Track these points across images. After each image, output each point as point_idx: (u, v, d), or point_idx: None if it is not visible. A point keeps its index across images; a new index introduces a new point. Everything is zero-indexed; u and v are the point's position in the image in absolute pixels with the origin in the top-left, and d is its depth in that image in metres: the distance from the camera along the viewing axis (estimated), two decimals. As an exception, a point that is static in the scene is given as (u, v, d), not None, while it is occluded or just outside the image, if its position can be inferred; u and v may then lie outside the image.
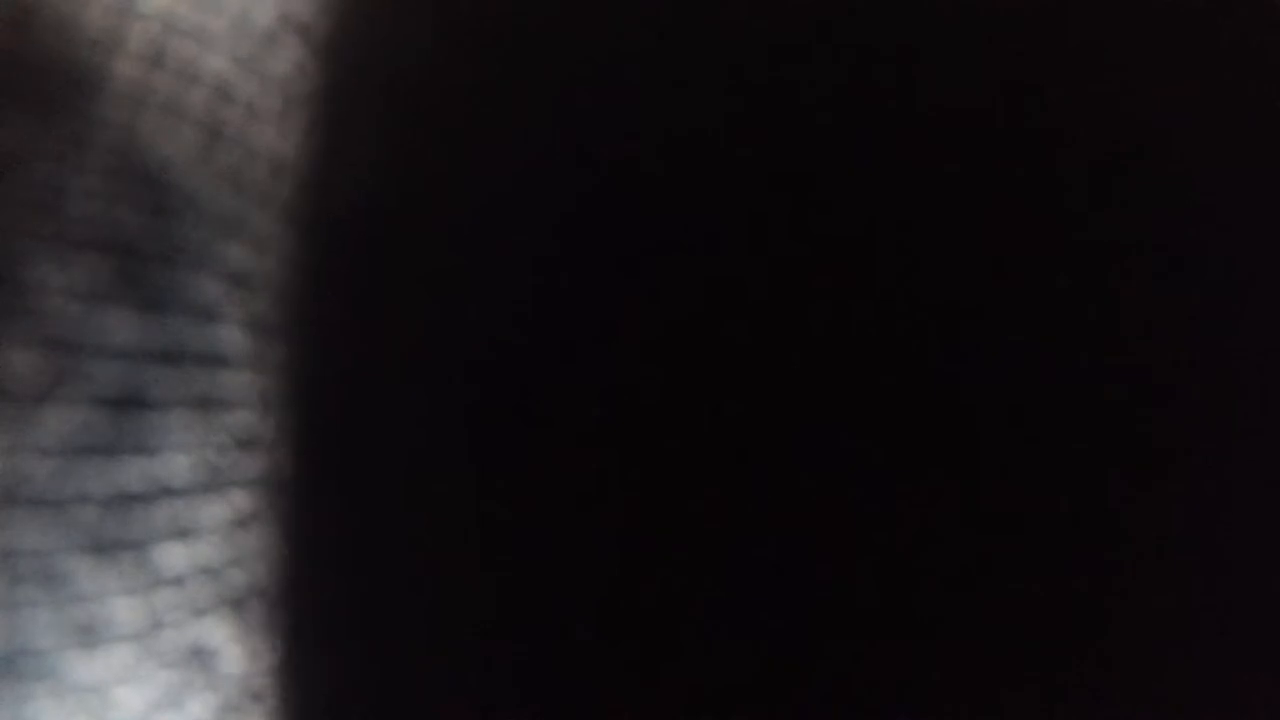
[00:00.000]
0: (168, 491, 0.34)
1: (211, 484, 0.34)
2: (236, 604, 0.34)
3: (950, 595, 0.29)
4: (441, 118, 0.32)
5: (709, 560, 0.30)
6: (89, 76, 0.32)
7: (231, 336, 0.34)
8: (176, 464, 0.34)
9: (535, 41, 0.32)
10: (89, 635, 0.33)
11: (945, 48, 0.29)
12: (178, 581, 0.34)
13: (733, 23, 0.31)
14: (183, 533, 0.34)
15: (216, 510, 0.34)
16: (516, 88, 0.32)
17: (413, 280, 0.33)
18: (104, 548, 0.33)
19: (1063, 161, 0.29)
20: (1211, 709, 0.28)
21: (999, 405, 0.29)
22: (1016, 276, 0.30)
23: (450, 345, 0.32)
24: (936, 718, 0.29)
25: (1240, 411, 0.28)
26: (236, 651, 0.35)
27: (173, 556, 0.34)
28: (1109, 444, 0.29)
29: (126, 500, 0.33)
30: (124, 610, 0.33)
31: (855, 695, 0.29)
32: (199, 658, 0.34)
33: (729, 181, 0.31)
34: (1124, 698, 0.28)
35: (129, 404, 0.33)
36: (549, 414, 0.31)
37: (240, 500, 0.34)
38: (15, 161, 0.31)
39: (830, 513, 0.30)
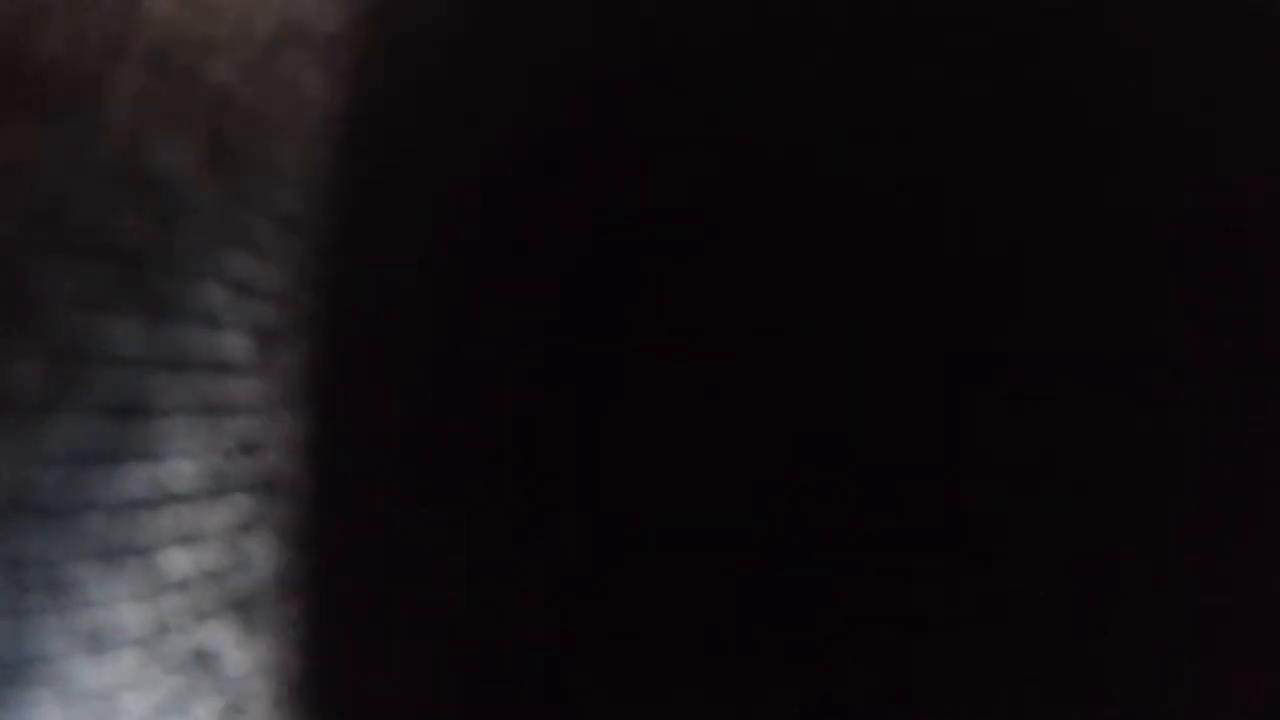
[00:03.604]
0: (173, 497, 0.34)
1: (216, 489, 0.35)
2: (240, 607, 0.35)
3: (951, 596, 0.31)
4: (441, 122, 0.33)
5: (710, 561, 0.32)
6: (93, 83, 0.32)
7: (235, 343, 0.35)
8: (182, 470, 0.34)
9: (541, 41, 0.33)
10: (96, 641, 0.33)
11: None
12: (183, 586, 0.34)
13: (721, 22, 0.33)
14: (188, 538, 0.34)
15: (221, 515, 0.35)
16: (515, 87, 0.33)
17: (414, 286, 0.33)
18: (111, 554, 0.33)
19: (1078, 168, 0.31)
20: (1211, 709, 0.30)
21: (1000, 409, 0.31)
22: (1015, 281, 0.31)
23: (453, 352, 0.33)
24: (936, 718, 0.31)
25: (1241, 414, 0.30)
26: (240, 655, 0.35)
27: (178, 562, 0.34)
28: (1109, 447, 0.31)
29: (132, 507, 0.34)
30: (131, 616, 0.34)
31: (855, 695, 0.31)
32: (203, 661, 0.35)
33: (728, 185, 0.32)
34: (1124, 698, 0.30)
35: (134, 412, 0.33)
36: (552, 421, 0.32)
37: (244, 504, 0.35)
38: (19, 169, 0.31)
39: (831, 515, 0.31)
